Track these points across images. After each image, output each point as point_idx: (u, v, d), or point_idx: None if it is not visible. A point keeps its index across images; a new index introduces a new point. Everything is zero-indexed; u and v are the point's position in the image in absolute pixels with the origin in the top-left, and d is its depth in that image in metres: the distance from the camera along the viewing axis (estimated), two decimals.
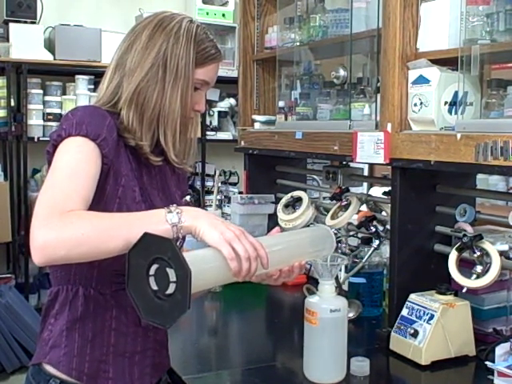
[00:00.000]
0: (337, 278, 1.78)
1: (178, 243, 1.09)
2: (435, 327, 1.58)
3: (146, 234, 1.05)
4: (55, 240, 1.07)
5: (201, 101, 1.38)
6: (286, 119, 2.39)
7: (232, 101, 4.69)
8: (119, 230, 1.10)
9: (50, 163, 1.23)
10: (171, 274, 1.02)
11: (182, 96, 1.32)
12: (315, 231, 1.42)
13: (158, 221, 1.11)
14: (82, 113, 1.25)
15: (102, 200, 1.23)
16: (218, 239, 1.10)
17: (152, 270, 1.04)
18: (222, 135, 4.66)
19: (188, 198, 3.86)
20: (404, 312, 1.67)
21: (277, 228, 1.39)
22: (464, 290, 1.59)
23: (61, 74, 4.22)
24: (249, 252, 1.11)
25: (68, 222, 1.09)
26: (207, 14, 4.52)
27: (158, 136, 1.34)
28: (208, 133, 4.57)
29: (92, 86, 4.19)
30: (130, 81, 1.31)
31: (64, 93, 4.23)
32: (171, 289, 1.02)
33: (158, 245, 1.04)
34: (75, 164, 1.19)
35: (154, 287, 1.04)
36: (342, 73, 2.11)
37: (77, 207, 1.13)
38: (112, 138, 1.26)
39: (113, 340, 1.30)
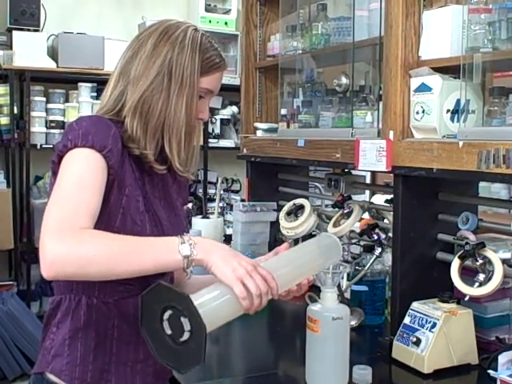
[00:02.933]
0: (339, 286, 1.77)
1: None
2: (438, 335, 1.57)
3: (159, 284, 1.05)
4: (66, 256, 1.08)
5: (205, 109, 1.38)
6: (288, 127, 2.39)
7: (234, 108, 4.70)
8: (130, 256, 1.11)
9: (54, 173, 1.23)
10: (185, 323, 1.03)
11: (186, 105, 1.32)
12: (322, 242, 1.41)
13: (170, 250, 1.11)
14: (88, 123, 1.25)
15: (105, 210, 1.23)
16: (230, 277, 1.11)
17: (166, 315, 1.05)
18: (224, 143, 4.67)
19: (190, 205, 3.86)
20: (406, 320, 1.67)
21: (285, 244, 1.38)
22: (466, 298, 1.58)
23: (64, 81, 4.24)
24: (260, 288, 1.12)
25: (80, 240, 1.10)
26: (210, 22, 4.54)
27: (162, 145, 1.34)
28: (210, 140, 4.58)
29: (95, 94, 4.20)
30: (134, 89, 1.31)
31: (67, 100, 4.24)
32: (185, 336, 1.03)
33: (172, 295, 1.05)
34: (82, 176, 1.19)
35: (168, 331, 1.04)
36: (344, 81, 2.12)
37: (86, 223, 1.13)
38: (117, 148, 1.26)
39: (115, 349, 1.30)
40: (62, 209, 1.14)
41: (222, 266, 1.12)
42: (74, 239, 1.09)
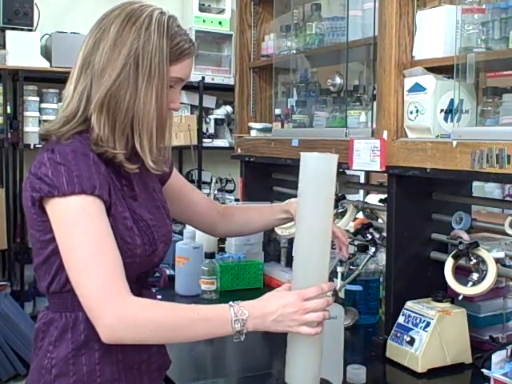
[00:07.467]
0: None
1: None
2: (431, 335, 1.58)
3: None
4: (125, 327, 1.15)
5: (175, 99, 1.30)
6: (282, 127, 2.39)
7: (228, 108, 4.70)
8: (185, 331, 1.18)
9: (33, 204, 1.20)
10: None
11: (156, 97, 1.23)
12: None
13: (224, 326, 1.18)
14: (66, 165, 1.17)
15: None
16: (291, 330, 1.22)
17: None
18: (218, 142, 4.67)
19: None
20: (400, 319, 1.67)
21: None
22: (460, 298, 1.59)
23: (57, 81, 4.20)
24: (319, 311, 1.20)
25: (135, 313, 1.16)
26: (204, 21, 4.54)
27: (133, 143, 1.25)
28: (204, 140, 4.58)
29: None
30: (99, 83, 1.22)
31: (60, 100, 4.20)
32: None
33: None
34: (94, 232, 1.16)
35: None
36: (338, 80, 2.12)
37: (123, 280, 1.17)
38: (101, 174, 1.20)
39: (120, 355, 1.26)
40: (96, 274, 1.15)
41: (278, 329, 1.22)
42: (128, 313, 1.15)
